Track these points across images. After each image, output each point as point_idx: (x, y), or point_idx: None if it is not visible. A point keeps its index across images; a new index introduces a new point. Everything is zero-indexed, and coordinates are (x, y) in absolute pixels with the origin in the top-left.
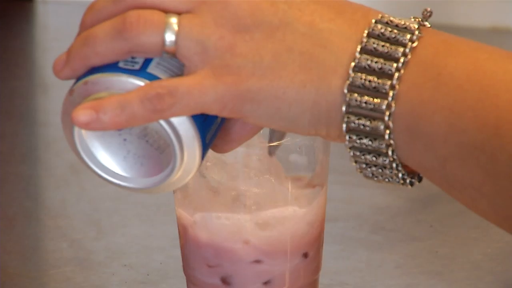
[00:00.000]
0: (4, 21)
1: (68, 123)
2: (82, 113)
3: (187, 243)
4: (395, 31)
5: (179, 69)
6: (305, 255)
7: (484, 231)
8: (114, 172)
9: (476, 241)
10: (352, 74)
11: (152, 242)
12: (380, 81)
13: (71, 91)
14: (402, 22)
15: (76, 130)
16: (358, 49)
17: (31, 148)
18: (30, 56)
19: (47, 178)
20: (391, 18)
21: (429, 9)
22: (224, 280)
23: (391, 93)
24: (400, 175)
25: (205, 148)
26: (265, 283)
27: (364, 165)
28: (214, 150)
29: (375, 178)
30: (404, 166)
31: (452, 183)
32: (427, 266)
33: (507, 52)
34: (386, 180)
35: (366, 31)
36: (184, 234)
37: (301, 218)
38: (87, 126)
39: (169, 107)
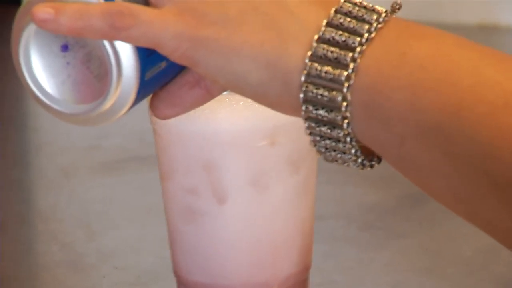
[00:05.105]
0: None
1: (20, 28)
2: (42, 11)
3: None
4: (363, 10)
5: (143, 2)
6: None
7: (473, 227)
8: (49, 94)
9: (465, 237)
10: (315, 45)
11: (143, 244)
12: (342, 52)
13: None
14: (371, 5)
15: (23, 42)
16: (324, 23)
17: (22, 152)
18: None
19: (38, 182)
20: (361, 1)
21: (399, 1)
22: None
23: (351, 65)
24: (353, 150)
25: (142, 84)
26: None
27: (318, 138)
28: (155, 113)
29: (328, 153)
30: (362, 148)
31: (408, 163)
32: (417, 263)
33: (473, 42)
34: (339, 155)
35: (334, 8)
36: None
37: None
38: (44, 23)
39: (126, 28)
